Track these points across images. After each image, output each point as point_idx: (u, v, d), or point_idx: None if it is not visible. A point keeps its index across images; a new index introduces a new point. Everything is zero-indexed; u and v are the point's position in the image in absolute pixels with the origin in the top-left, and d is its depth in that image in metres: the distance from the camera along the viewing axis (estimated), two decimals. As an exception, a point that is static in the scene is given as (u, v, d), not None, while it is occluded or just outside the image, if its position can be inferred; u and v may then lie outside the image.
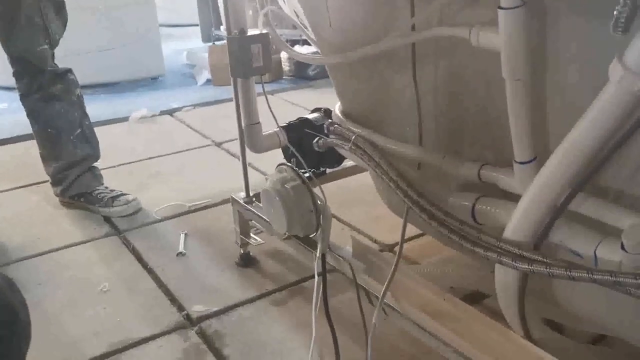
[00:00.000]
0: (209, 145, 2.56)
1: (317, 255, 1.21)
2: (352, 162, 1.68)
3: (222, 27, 3.74)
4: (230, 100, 1.50)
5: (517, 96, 0.81)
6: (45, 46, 1.81)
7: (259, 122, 1.50)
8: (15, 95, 1.92)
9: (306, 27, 1.33)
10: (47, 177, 2.02)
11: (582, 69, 0.80)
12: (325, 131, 1.34)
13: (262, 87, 1.45)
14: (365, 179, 1.60)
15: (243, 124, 1.49)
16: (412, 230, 1.31)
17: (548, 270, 0.76)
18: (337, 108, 1.35)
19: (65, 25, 1.88)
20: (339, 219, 1.78)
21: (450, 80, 1.02)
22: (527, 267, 0.79)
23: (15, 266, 1.67)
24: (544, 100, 0.85)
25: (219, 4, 3.86)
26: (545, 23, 0.80)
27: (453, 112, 1.04)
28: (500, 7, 0.77)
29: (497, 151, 0.97)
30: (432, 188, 1.03)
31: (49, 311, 1.45)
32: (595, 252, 0.77)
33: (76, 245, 1.76)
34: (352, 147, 1.17)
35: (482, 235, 0.86)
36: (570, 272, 0.74)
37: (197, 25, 4.45)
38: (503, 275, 0.87)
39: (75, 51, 2.83)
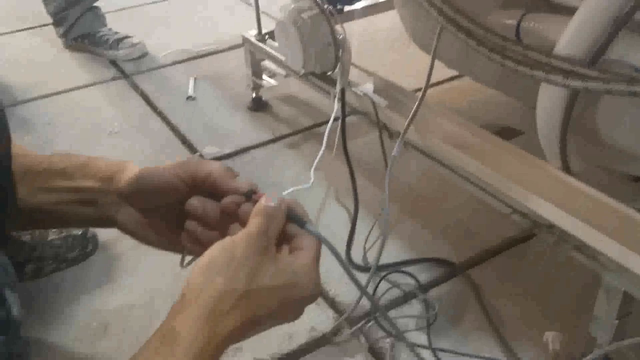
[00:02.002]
0: (218, -12, 2.36)
1: (337, 91, 1.12)
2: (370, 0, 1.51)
3: None
4: None
5: None
6: None
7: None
8: None
9: None
10: (50, 20, 1.89)
11: None
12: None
13: None
14: (385, 20, 1.45)
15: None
16: (439, 73, 1.19)
17: (605, 85, 0.66)
18: None
19: None
20: (355, 65, 1.66)
21: None
22: (580, 83, 0.69)
23: (22, 107, 1.61)
24: None
25: None
26: None
27: None
28: None
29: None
30: (470, 5, 0.89)
31: (59, 149, 1.41)
32: (663, 67, 0.66)
33: (83, 87, 1.69)
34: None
35: (529, 52, 0.74)
36: (632, 86, 0.64)
37: None
38: (548, 98, 0.77)
39: None
